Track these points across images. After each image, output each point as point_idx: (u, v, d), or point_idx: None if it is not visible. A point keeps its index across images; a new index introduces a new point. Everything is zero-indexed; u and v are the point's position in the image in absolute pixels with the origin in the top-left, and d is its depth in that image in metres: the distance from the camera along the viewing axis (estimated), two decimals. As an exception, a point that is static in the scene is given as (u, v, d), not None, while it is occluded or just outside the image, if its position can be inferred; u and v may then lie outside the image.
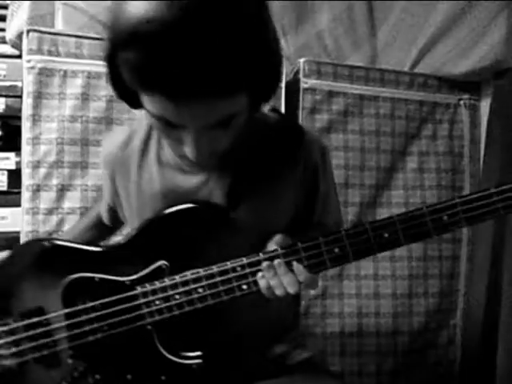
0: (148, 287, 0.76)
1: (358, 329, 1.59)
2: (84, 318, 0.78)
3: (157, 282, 0.76)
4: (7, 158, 1.44)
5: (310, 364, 0.90)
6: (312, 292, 1.54)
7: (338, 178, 1.58)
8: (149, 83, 0.52)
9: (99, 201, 1.03)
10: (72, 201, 1.35)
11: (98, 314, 0.78)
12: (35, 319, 0.80)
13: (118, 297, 0.77)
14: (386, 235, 0.66)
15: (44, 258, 0.83)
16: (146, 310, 0.76)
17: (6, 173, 1.44)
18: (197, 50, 0.46)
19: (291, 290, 0.67)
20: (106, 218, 0.99)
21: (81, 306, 0.79)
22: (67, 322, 0.79)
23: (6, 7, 1.45)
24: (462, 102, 1.72)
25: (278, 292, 0.68)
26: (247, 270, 0.72)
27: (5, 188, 1.43)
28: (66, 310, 0.79)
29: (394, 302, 1.63)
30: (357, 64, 1.64)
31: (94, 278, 0.79)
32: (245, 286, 0.72)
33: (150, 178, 0.80)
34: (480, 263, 1.72)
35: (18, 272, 0.83)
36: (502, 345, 1.61)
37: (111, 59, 0.57)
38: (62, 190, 1.35)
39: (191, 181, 0.77)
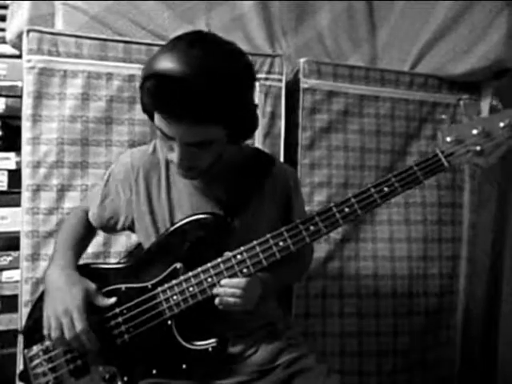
0: (165, 286, 0.89)
1: (358, 329, 1.59)
2: (112, 323, 0.91)
3: (173, 281, 0.89)
4: (7, 158, 1.44)
5: (299, 362, 0.97)
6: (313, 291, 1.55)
7: (338, 177, 1.58)
8: (156, 105, 0.78)
9: (84, 203, 1.11)
10: (72, 201, 1.35)
11: (125, 317, 0.90)
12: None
13: (141, 299, 0.90)
14: (311, 228, 0.87)
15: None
16: (165, 306, 0.89)
17: (6, 173, 1.44)
18: (188, 92, 0.73)
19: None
20: (96, 222, 1.03)
21: (109, 313, 0.91)
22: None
23: (6, 7, 1.45)
24: (461, 102, 1.71)
25: None
26: (245, 256, 0.87)
27: (5, 188, 1.44)
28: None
29: (394, 302, 1.63)
30: (357, 64, 1.64)
31: (120, 288, 0.93)
32: (245, 270, 0.87)
33: (172, 186, 0.97)
34: (480, 263, 1.72)
35: None
36: (503, 344, 1.61)
37: (141, 86, 0.81)
38: (62, 190, 1.35)
39: (197, 196, 0.96)
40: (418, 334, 1.66)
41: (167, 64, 0.74)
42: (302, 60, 1.55)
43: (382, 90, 1.63)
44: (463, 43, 1.60)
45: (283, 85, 1.52)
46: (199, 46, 0.76)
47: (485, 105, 1.72)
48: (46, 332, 0.89)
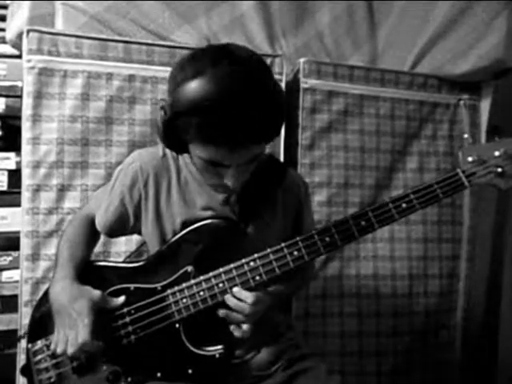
0: (175, 288, 0.88)
1: (358, 329, 1.59)
2: (119, 323, 0.90)
3: (184, 284, 0.88)
4: (7, 158, 1.44)
5: (300, 363, 0.96)
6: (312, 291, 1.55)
7: (338, 177, 1.58)
8: (209, 138, 0.73)
9: (87, 207, 1.06)
10: (72, 201, 1.36)
11: (132, 317, 0.89)
12: None
13: (149, 300, 0.89)
14: (327, 239, 0.85)
15: (85, 277, 0.92)
16: (174, 309, 0.88)
17: (6, 173, 1.44)
18: (241, 118, 0.70)
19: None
20: (103, 229, 1.00)
21: (116, 313, 0.89)
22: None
23: (6, 7, 1.45)
24: (461, 102, 1.71)
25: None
26: (258, 263, 0.86)
27: (5, 188, 1.44)
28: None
29: (394, 302, 1.63)
30: (357, 64, 1.64)
31: (129, 287, 0.91)
32: (258, 277, 0.86)
33: (185, 191, 0.95)
34: (480, 263, 1.72)
35: None
36: (503, 344, 1.61)
37: (171, 121, 0.75)
38: (62, 190, 1.35)
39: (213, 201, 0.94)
40: (418, 333, 1.66)
41: (208, 93, 0.69)
42: (301, 60, 1.55)
43: (382, 90, 1.63)
44: (463, 43, 1.60)
45: (283, 85, 1.51)
46: (227, 63, 0.71)
47: (485, 105, 1.72)
48: (52, 346, 0.88)
